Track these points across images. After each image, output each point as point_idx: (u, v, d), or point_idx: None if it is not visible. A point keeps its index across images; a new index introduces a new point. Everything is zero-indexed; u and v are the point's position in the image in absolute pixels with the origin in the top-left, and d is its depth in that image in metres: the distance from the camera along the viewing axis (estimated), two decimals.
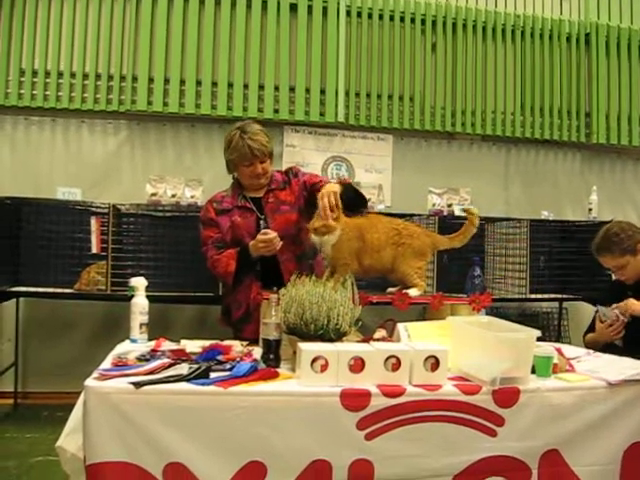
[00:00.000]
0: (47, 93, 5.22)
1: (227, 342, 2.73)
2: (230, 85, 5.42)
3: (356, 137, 5.77)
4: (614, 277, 3.51)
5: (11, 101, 5.19)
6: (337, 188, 2.96)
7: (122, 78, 5.31)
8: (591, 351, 3.06)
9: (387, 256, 2.92)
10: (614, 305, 3.27)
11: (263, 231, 3.09)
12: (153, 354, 2.49)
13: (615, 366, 2.62)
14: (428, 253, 3.03)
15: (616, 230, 3.32)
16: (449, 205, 5.31)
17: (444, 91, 5.83)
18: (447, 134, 5.95)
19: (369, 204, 5.08)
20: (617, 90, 6.13)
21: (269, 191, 3.31)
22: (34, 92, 5.21)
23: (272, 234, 3.05)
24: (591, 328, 3.49)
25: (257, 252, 3.10)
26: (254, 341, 2.94)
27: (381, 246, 2.91)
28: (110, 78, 5.30)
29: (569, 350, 2.94)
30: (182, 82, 5.35)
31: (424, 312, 3.17)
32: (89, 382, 2.09)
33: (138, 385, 2.07)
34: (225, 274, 3.19)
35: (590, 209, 5.50)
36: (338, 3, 5.59)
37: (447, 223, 5.11)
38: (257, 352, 2.55)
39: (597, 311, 3.46)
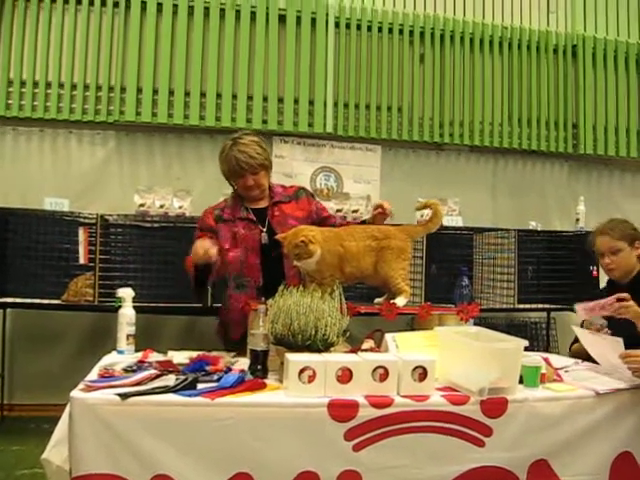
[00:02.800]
0: (35, 103, 5.21)
1: (215, 353, 2.72)
2: (219, 96, 5.43)
3: (345, 148, 5.78)
4: (602, 263, 3.47)
5: None
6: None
7: (110, 89, 5.31)
8: (579, 361, 3.07)
9: (366, 264, 2.90)
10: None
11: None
12: (140, 365, 2.48)
13: (603, 376, 2.63)
14: (408, 250, 3.00)
15: (624, 219, 3.43)
16: None
17: (432, 102, 5.85)
18: (435, 145, 5.97)
19: (357, 215, 5.10)
20: (604, 101, 6.18)
21: (274, 204, 3.25)
22: (22, 102, 5.20)
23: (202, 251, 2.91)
24: (577, 339, 3.50)
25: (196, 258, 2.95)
26: None
27: (359, 254, 2.89)
28: (98, 89, 5.30)
29: (557, 360, 2.95)
30: (171, 93, 5.35)
31: (412, 322, 3.16)
32: (75, 393, 2.08)
33: (124, 396, 2.06)
34: (188, 267, 3.08)
35: (577, 219, 5.51)
36: (327, 14, 5.61)
37: (435, 233, 5.12)
38: (244, 363, 2.54)
39: (583, 322, 3.46)
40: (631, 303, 3.14)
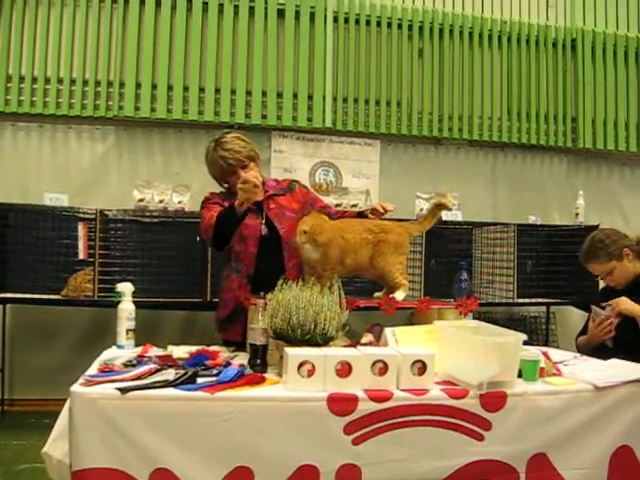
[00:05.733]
0: (34, 99, 5.21)
1: (214, 348, 2.73)
2: (217, 91, 5.42)
3: (344, 142, 5.78)
4: (603, 283, 3.56)
5: None
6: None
7: (109, 84, 5.31)
8: (578, 355, 3.07)
9: (363, 256, 2.90)
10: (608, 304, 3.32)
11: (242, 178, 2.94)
12: (140, 360, 2.48)
13: (602, 369, 2.63)
14: (405, 244, 3.00)
15: (601, 237, 3.42)
16: None
17: (431, 96, 5.85)
18: (434, 139, 5.97)
19: (355, 210, 5.09)
20: (603, 95, 6.17)
21: (269, 197, 3.25)
22: (21, 98, 5.20)
23: (251, 178, 2.91)
24: (583, 331, 3.53)
25: (239, 203, 2.90)
26: (237, 343, 2.94)
27: (357, 246, 2.90)
28: (97, 84, 5.29)
29: (556, 354, 2.95)
30: (169, 88, 5.34)
31: (411, 316, 3.16)
32: (75, 388, 2.09)
33: (124, 391, 2.06)
34: (207, 227, 3.05)
35: (577, 214, 5.52)
36: (325, 9, 5.60)
37: (434, 228, 5.12)
38: (244, 357, 2.55)
39: (591, 311, 3.49)
40: (622, 299, 3.20)
